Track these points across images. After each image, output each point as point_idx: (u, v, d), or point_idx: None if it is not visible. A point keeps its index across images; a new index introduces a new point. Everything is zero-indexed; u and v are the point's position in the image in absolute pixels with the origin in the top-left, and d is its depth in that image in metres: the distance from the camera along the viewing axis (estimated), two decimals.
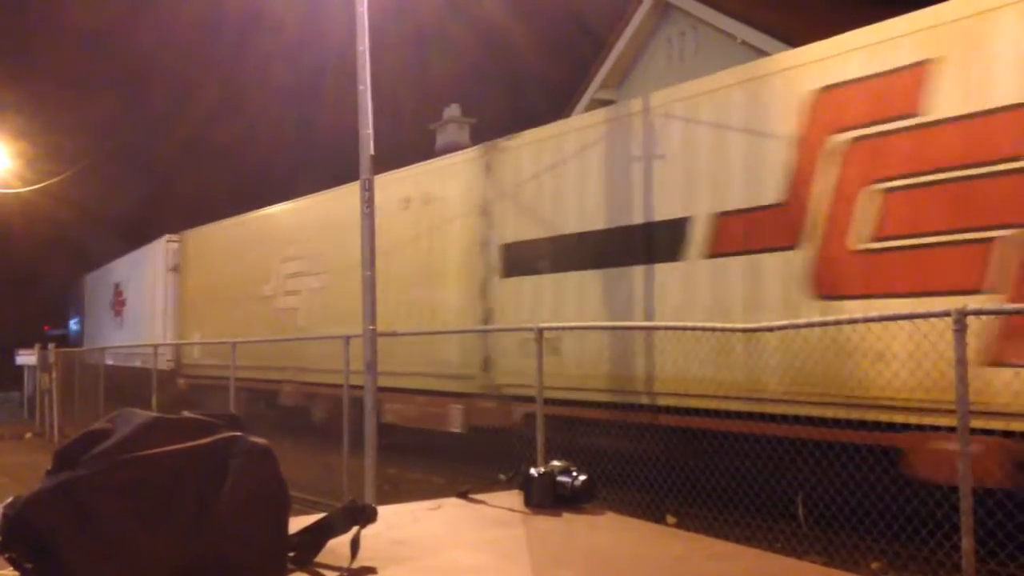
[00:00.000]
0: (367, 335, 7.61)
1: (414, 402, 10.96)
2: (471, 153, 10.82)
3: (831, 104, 6.95)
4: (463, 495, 4.33)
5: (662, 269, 8.05)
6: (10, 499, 2.54)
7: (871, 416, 6.32)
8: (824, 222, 6.96)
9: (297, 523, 3.00)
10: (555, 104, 18.32)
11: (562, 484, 4.08)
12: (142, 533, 2.49)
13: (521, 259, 9.70)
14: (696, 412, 7.17)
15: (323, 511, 3.31)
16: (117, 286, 23.17)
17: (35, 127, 27.12)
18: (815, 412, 6.64)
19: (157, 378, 13.98)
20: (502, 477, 4.44)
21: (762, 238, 7.35)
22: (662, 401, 7.92)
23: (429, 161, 12.21)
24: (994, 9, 6.08)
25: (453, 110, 21.49)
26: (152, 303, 19.78)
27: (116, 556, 2.46)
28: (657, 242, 8.10)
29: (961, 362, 4.15)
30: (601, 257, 8.67)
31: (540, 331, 6.82)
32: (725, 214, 7.68)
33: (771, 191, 7.31)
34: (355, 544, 2.96)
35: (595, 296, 8.72)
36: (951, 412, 4.37)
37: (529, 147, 9.54)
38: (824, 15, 13.23)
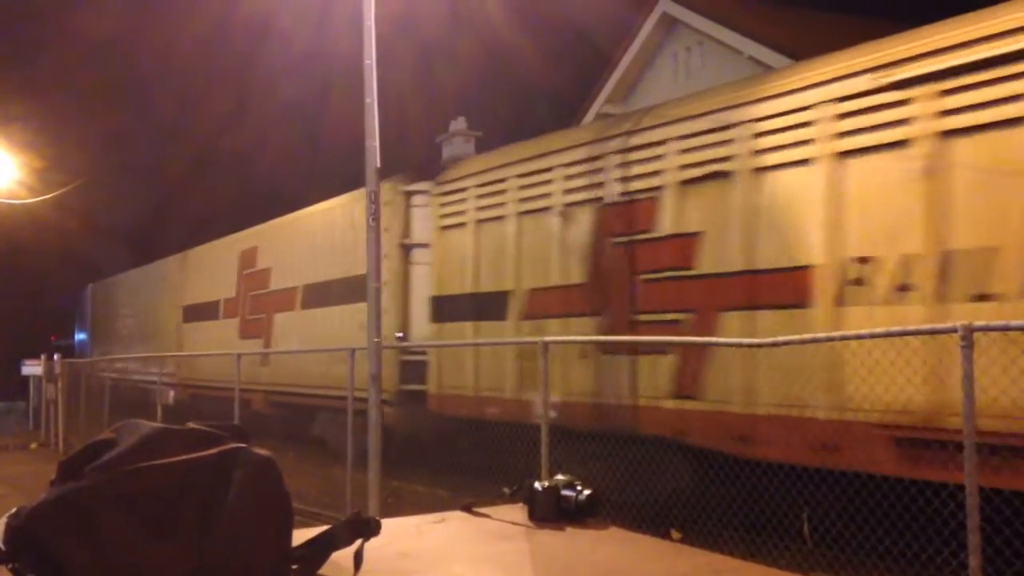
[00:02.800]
0: (371, 347, 7.62)
1: (174, 389, 19.20)
2: (179, 256, 21.25)
3: (244, 258, 16.92)
4: (467, 508, 4.33)
5: (218, 323, 18.23)
6: (14, 509, 2.54)
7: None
8: (243, 306, 16.61)
9: (301, 535, 2.99)
10: (561, 117, 18.36)
11: (566, 498, 4.07)
12: (145, 544, 2.48)
13: (188, 313, 20.06)
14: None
15: (327, 524, 3.30)
16: (82, 313, 32.75)
17: (43, 139, 27.19)
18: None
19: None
20: (506, 491, 4.43)
21: (231, 312, 17.21)
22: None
23: (172, 256, 22.08)
24: (307, 216, 15.36)
25: (459, 123, 21.51)
26: (89, 329, 31.47)
27: (119, 567, 2.45)
28: (208, 311, 18.53)
29: (968, 377, 4.13)
30: (208, 315, 18.55)
31: (546, 344, 6.85)
32: (228, 300, 17.63)
33: (231, 291, 17.40)
34: (359, 557, 2.95)
35: (218, 336, 17.67)
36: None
37: (195, 255, 20.24)
38: (828, 30, 13.28)
